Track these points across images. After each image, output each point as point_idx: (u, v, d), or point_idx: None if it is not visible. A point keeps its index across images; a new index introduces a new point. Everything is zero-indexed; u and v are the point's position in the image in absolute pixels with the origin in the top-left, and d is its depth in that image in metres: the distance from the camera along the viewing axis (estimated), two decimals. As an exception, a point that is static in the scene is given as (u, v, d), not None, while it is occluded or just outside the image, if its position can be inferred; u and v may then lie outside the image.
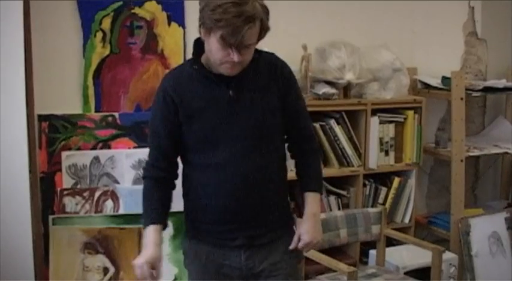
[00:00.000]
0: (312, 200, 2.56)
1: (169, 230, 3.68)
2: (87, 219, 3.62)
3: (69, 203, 3.64)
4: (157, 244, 2.31)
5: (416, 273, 3.85)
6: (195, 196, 2.45)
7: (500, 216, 4.51)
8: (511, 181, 5.05)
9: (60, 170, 3.66)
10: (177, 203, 3.80)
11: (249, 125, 2.35)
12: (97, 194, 3.69)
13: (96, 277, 3.60)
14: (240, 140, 2.34)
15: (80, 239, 3.58)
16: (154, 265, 2.29)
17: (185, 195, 2.53)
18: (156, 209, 2.41)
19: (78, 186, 3.68)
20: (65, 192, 3.64)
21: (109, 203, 3.70)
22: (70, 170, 3.67)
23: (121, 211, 3.69)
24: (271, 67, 2.43)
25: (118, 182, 3.74)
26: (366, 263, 4.07)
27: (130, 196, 3.71)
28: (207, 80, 2.35)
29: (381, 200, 4.29)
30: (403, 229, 4.27)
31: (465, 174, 4.36)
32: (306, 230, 2.51)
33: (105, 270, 3.61)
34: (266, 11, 2.26)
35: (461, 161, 4.31)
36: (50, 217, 3.57)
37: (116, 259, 3.63)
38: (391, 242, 4.05)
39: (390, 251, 3.96)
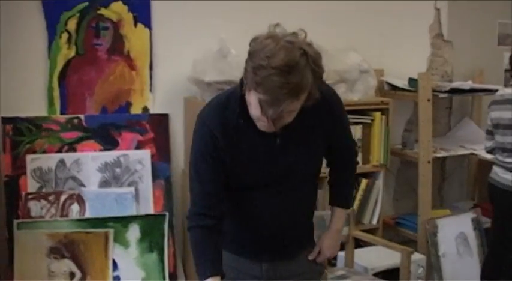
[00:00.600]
0: (338, 215, 2.54)
1: (137, 234, 3.66)
2: (53, 223, 3.57)
3: (34, 207, 3.58)
4: None
5: (384, 274, 3.86)
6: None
7: (466, 217, 4.55)
8: (477, 181, 5.09)
9: (24, 173, 3.60)
10: (146, 207, 3.80)
11: (292, 170, 2.24)
12: (62, 197, 3.64)
13: (62, 282, 3.56)
14: (282, 182, 2.25)
15: (46, 244, 3.53)
16: None
17: None
18: (212, 260, 2.21)
19: (43, 190, 3.63)
20: (30, 196, 3.58)
21: (75, 207, 3.65)
22: (35, 173, 3.62)
23: (87, 215, 3.64)
24: (319, 107, 2.13)
25: (84, 186, 3.70)
26: (335, 265, 4.06)
27: (97, 199, 3.68)
28: (255, 129, 2.13)
29: (348, 202, 4.29)
30: (370, 231, 4.28)
31: (432, 175, 4.39)
32: (327, 246, 2.51)
33: (72, 275, 3.56)
34: (319, 76, 1.99)
35: (428, 162, 4.33)
36: (15, 222, 3.51)
37: (83, 263, 3.59)
38: (358, 243, 4.05)
39: (358, 253, 3.96)
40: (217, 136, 2.16)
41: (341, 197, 2.55)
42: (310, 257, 2.47)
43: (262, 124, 2.06)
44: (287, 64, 1.88)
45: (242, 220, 2.32)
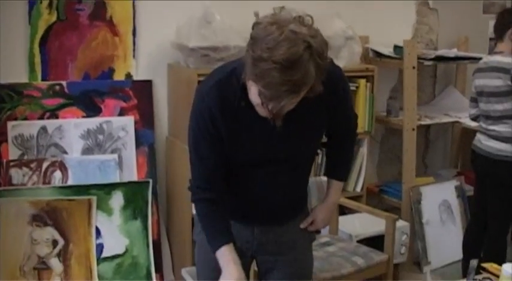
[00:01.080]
0: (335, 188, 2.52)
1: (120, 201, 3.64)
2: (35, 191, 3.54)
3: (16, 174, 3.55)
4: (237, 263, 2.15)
5: (368, 241, 3.88)
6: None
7: (450, 184, 4.59)
8: (460, 149, 5.11)
9: (6, 140, 3.57)
10: (129, 174, 3.77)
11: (291, 154, 2.21)
12: (45, 165, 3.61)
13: (45, 250, 3.53)
14: (280, 163, 2.21)
15: (28, 212, 3.50)
16: None
17: None
18: (221, 230, 2.21)
19: (25, 157, 3.60)
20: (12, 163, 3.55)
21: (57, 174, 3.63)
22: (16, 140, 3.58)
23: (70, 182, 3.62)
24: (324, 89, 1.98)
25: (66, 153, 3.67)
26: (319, 232, 4.07)
27: (79, 166, 3.65)
28: (255, 112, 2.02)
29: (333, 169, 4.28)
30: (354, 198, 4.27)
31: (416, 143, 4.39)
32: (322, 218, 2.49)
33: (54, 243, 3.54)
34: (323, 69, 1.87)
35: (413, 129, 4.33)
36: (-4, 189, 3.49)
37: (65, 231, 3.56)
38: (342, 210, 4.06)
39: (343, 220, 3.97)
40: (215, 114, 2.10)
41: (339, 171, 2.53)
42: (302, 226, 2.45)
43: (262, 110, 1.98)
44: (289, 59, 1.78)
45: (237, 191, 2.30)
